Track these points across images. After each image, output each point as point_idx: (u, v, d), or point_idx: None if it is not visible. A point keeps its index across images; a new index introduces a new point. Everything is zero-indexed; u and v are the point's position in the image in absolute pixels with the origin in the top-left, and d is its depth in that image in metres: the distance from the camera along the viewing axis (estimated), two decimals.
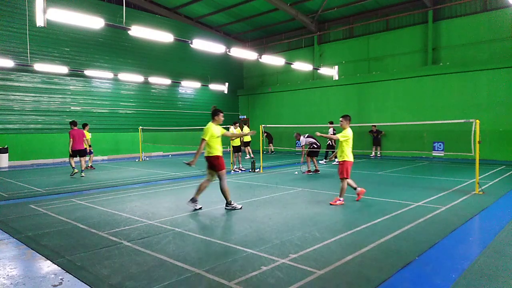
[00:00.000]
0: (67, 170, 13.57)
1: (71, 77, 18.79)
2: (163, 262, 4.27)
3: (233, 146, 13.71)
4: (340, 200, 7.40)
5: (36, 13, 8.57)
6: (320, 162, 14.66)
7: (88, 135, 14.55)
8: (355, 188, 7.66)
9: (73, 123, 12.27)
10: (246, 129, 16.34)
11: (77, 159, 12.37)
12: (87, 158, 12.17)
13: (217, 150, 6.89)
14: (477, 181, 8.51)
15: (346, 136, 7.42)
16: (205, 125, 6.97)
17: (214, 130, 6.85)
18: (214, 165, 6.88)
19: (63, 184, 10.67)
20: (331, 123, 15.13)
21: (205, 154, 6.93)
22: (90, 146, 14.66)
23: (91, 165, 14.84)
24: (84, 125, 14.66)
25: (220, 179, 6.93)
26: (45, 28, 9.08)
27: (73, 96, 18.97)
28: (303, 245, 4.79)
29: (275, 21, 23.46)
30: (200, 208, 7.11)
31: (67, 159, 12.52)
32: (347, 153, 7.45)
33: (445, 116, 17.29)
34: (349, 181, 7.55)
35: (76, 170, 12.05)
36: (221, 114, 7.09)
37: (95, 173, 13.21)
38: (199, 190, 7.05)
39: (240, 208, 7.10)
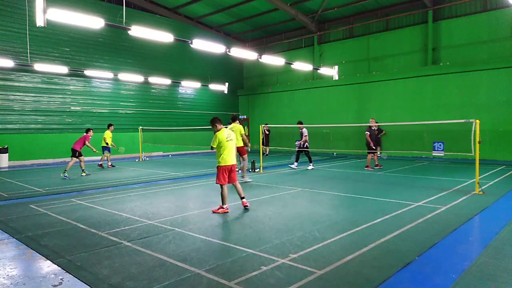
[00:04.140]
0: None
1: (71, 77, 18.79)
2: (163, 262, 4.27)
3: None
4: (223, 208, 6.81)
5: (36, 13, 8.57)
6: (291, 166, 13.96)
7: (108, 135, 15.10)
8: (225, 203, 6.91)
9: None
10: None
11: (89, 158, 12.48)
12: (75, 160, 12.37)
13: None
14: (477, 181, 8.51)
15: (217, 141, 6.84)
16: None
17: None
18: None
19: (63, 184, 10.67)
20: (300, 123, 14.18)
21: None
22: (107, 144, 15.08)
23: (101, 163, 15.14)
24: (109, 125, 15.40)
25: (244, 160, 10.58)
26: (45, 28, 9.08)
27: (73, 96, 18.97)
28: (303, 245, 4.79)
29: (275, 21, 23.46)
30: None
31: (66, 159, 12.58)
32: (219, 158, 6.87)
33: (445, 116, 17.29)
34: (223, 189, 6.89)
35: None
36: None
37: (95, 173, 13.21)
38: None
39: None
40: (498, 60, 16.34)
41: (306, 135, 13.62)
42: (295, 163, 13.85)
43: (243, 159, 10.63)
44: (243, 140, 10.33)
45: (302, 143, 13.64)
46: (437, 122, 15.13)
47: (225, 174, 6.87)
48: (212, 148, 6.91)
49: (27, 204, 7.84)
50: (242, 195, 7.09)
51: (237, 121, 10.40)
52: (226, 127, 7.61)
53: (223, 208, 6.83)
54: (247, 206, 7.03)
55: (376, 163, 13.82)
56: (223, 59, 25.31)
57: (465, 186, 9.35)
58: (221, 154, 6.86)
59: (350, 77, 21.34)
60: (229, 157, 6.88)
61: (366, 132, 13.33)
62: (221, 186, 6.87)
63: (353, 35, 21.69)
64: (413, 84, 18.86)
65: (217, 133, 6.90)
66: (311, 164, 13.88)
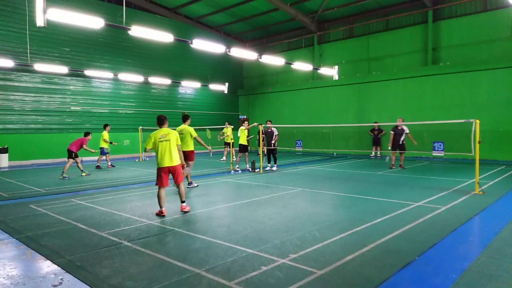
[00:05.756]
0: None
1: (71, 77, 18.79)
2: (163, 262, 4.27)
3: (240, 145, 13.29)
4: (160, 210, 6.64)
5: (36, 13, 8.57)
6: (272, 169, 13.56)
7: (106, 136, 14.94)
8: (161, 206, 6.65)
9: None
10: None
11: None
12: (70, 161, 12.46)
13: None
14: (477, 181, 8.51)
15: (151, 141, 6.64)
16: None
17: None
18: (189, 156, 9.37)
19: (63, 184, 10.67)
20: (270, 122, 13.89)
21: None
22: (111, 143, 15.03)
23: (98, 165, 15.06)
24: (105, 126, 15.16)
25: (188, 166, 9.51)
26: (45, 28, 9.09)
27: (73, 96, 18.97)
28: (303, 245, 4.79)
29: (275, 21, 23.46)
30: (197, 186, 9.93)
31: (66, 159, 12.59)
32: (157, 159, 6.66)
33: (445, 116, 17.29)
34: (161, 192, 6.63)
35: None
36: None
37: (95, 173, 13.21)
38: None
39: (197, 186, 9.90)
40: (498, 60, 16.34)
41: (277, 134, 13.59)
42: (269, 165, 13.81)
43: (188, 165, 9.44)
44: (199, 142, 9.72)
45: (274, 142, 13.51)
46: (437, 122, 15.12)
47: (163, 176, 6.62)
48: (145, 149, 6.66)
49: (27, 204, 7.83)
50: (183, 199, 6.91)
51: (188, 122, 9.49)
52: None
53: (160, 210, 6.63)
54: (185, 210, 6.85)
55: (393, 164, 13.75)
56: (223, 59, 25.31)
57: (465, 186, 9.35)
58: (157, 155, 6.64)
59: (350, 77, 21.33)
60: (166, 159, 6.57)
61: (391, 132, 13.36)
62: (159, 188, 6.66)
63: (353, 35, 21.69)
64: (413, 84, 18.85)
65: (152, 133, 6.74)
66: (275, 165, 13.77)
